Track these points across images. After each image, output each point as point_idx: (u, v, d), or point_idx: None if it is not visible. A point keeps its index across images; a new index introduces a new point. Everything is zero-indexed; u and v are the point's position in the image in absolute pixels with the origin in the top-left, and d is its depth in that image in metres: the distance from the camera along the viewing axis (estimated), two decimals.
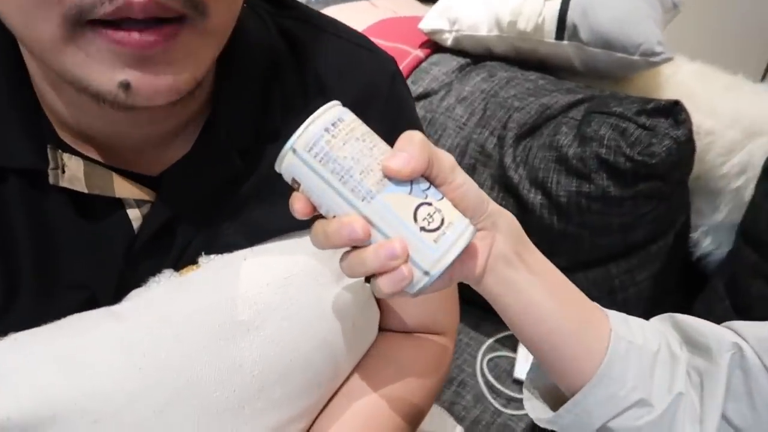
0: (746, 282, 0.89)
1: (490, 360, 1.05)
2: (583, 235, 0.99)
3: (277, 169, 0.41)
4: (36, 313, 0.45)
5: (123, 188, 0.47)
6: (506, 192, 1.03)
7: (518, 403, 0.99)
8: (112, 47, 0.36)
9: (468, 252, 0.42)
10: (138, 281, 0.49)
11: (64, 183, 0.44)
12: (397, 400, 0.57)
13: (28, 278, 0.46)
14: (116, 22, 0.35)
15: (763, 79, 1.66)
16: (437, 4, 1.19)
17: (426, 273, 0.40)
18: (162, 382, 0.45)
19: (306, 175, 0.40)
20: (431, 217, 0.39)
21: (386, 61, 0.58)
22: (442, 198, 0.41)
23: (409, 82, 1.14)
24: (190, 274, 0.49)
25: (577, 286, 0.47)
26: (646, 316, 0.51)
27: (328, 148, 0.39)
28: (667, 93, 1.06)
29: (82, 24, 0.35)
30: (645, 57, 1.01)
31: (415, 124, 0.59)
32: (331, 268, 0.53)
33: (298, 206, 0.41)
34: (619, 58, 1.03)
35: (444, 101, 1.10)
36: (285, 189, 0.42)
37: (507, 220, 0.44)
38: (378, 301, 0.61)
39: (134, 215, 0.48)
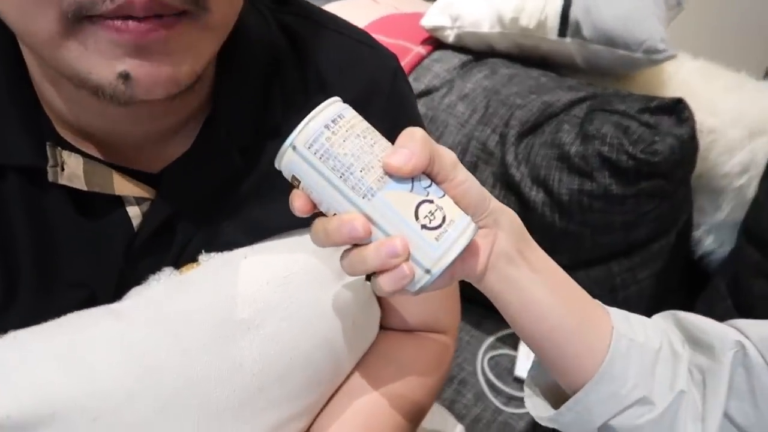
0: (748, 281, 0.89)
1: (491, 358, 1.05)
2: (584, 233, 0.98)
3: (276, 166, 0.41)
4: (35, 311, 0.45)
5: (123, 186, 0.46)
6: (508, 190, 1.03)
7: (519, 402, 0.99)
8: (110, 37, 0.36)
9: (469, 250, 0.41)
10: (138, 279, 0.49)
11: (63, 180, 0.44)
12: (398, 398, 0.57)
13: (28, 276, 0.46)
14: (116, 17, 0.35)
15: (766, 76, 1.65)
16: (439, 1, 1.18)
17: (427, 271, 0.40)
18: (162, 380, 0.45)
19: (306, 172, 0.40)
20: (432, 214, 0.39)
21: (387, 57, 0.58)
22: (444, 195, 0.40)
23: (410, 79, 1.13)
24: (190, 272, 0.49)
25: (579, 284, 0.47)
26: (648, 314, 0.50)
27: (328, 144, 0.39)
28: (670, 91, 1.06)
29: (80, 19, 0.35)
30: (648, 54, 1.01)
31: (416, 121, 0.59)
32: (332, 266, 0.52)
33: (298, 204, 0.41)
34: (622, 55, 1.02)
35: (446, 98, 1.10)
36: (285, 186, 0.42)
37: (509, 217, 0.44)
38: (379, 299, 0.61)
39: (134, 213, 0.48)
